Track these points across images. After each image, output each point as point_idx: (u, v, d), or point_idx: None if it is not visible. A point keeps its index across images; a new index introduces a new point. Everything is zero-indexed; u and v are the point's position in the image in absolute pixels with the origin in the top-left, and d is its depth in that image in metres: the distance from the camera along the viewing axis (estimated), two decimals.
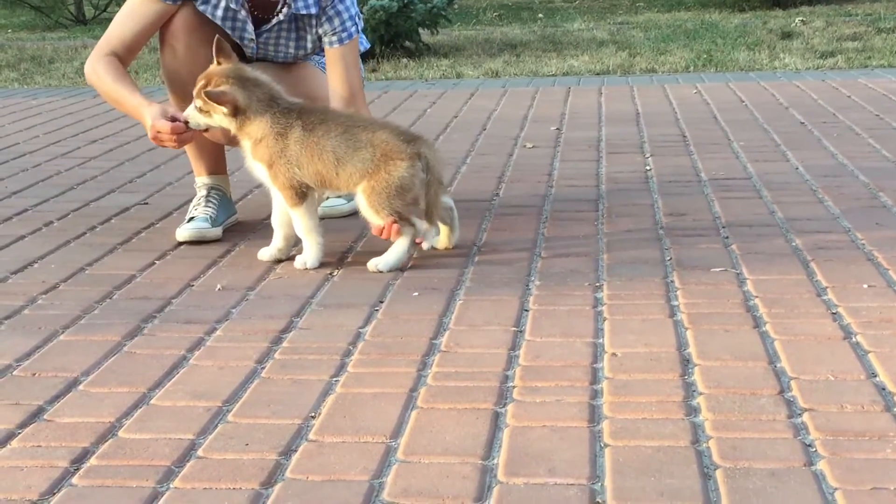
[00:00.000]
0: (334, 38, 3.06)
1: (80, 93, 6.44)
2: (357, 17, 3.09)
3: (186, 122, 2.84)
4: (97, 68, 3.02)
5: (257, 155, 2.78)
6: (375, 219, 2.74)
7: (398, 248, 2.77)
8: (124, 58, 3.04)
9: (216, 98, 2.73)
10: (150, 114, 2.88)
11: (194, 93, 2.80)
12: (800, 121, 4.73)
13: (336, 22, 3.05)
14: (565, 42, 8.10)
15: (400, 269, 2.77)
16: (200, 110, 2.79)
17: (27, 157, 4.44)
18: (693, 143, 4.34)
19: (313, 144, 2.73)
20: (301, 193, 2.77)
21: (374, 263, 2.77)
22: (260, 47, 3.12)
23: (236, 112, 2.75)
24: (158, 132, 2.86)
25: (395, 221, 2.72)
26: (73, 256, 2.99)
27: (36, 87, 6.79)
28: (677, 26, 8.82)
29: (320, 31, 3.07)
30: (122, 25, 3.04)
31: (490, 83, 6.39)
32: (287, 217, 2.84)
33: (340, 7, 3.05)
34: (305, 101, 2.85)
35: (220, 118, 2.78)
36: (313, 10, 3.03)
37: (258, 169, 2.80)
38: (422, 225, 2.77)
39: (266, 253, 2.89)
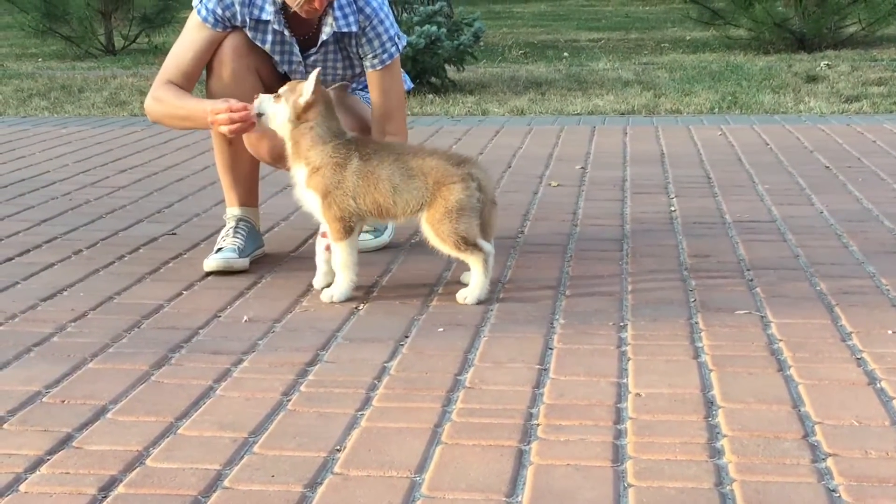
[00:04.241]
0: (376, 61, 3.10)
1: (109, 122, 6.51)
2: (398, 37, 3.12)
3: (258, 114, 2.87)
4: (157, 95, 3.08)
5: (311, 184, 2.80)
6: (444, 247, 2.79)
7: (478, 279, 2.81)
8: (184, 87, 3.09)
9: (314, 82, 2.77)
10: (211, 104, 2.93)
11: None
12: (825, 165, 4.74)
13: (376, 44, 3.09)
14: (590, 81, 8.14)
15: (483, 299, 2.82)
16: (277, 97, 2.83)
17: (57, 186, 4.49)
18: (718, 184, 4.35)
19: (369, 174, 2.77)
20: (349, 227, 2.80)
21: (463, 296, 2.82)
22: (308, 70, 3.16)
23: (306, 111, 2.78)
24: (216, 114, 2.90)
25: (458, 248, 2.77)
26: (102, 285, 3.02)
27: (66, 116, 6.86)
28: (702, 68, 8.84)
29: (361, 52, 3.11)
30: (178, 56, 3.10)
31: (515, 121, 6.42)
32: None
33: (380, 28, 3.08)
34: (358, 134, 2.90)
35: (283, 113, 2.81)
36: (354, 29, 3.06)
37: (310, 198, 2.83)
38: (488, 247, 2.80)
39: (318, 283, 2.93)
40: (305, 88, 2.80)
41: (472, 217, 2.78)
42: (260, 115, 2.87)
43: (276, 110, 2.84)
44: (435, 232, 2.78)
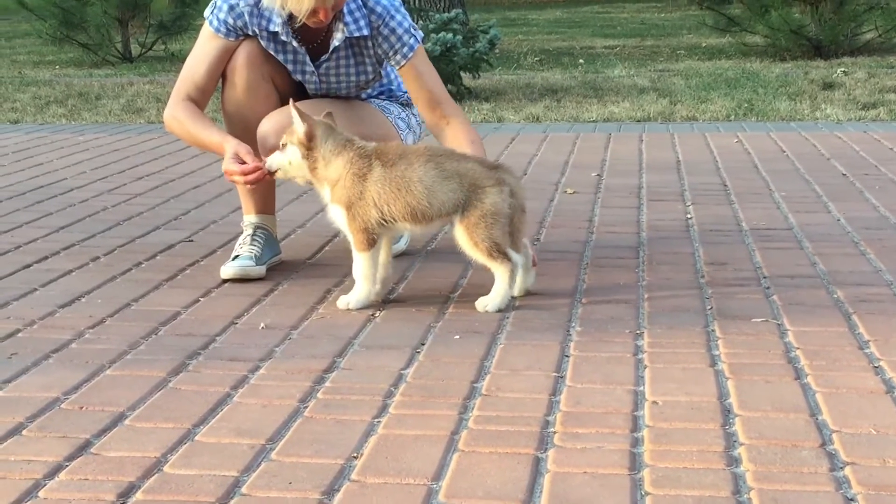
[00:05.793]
0: (399, 57, 3.10)
1: (126, 129, 6.54)
2: (413, 28, 3.11)
3: (271, 172, 2.89)
4: (176, 114, 3.11)
5: (335, 198, 2.81)
6: (475, 252, 2.78)
7: (501, 288, 2.80)
8: (199, 100, 3.13)
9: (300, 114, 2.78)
10: (227, 150, 2.96)
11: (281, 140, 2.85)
12: (841, 172, 4.73)
13: (393, 39, 3.08)
14: (606, 88, 8.14)
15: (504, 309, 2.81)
16: (283, 145, 2.85)
17: (74, 193, 4.51)
18: (734, 192, 4.34)
19: (398, 179, 2.76)
20: (371, 239, 2.80)
21: (483, 304, 2.81)
22: (322, 79, 3.16)
23: (310, 140, 2.79)
24: (230, 175, 2.95)
25: (490, 255, 2.76)
26: (119, 292, 3.03)
27: (83, 124, 6.90)
28: (718, 75, 8.83)
29: (379, 51, 3.11)
30: (192, 68, 3.13)
31: (531, 128, 6.43)
32: (383, 258, 2.87)
33: (393, 24, 3.08)
34: (379, 144, 2.88)
35: (295, 155, 2.82)
36: (365, 32, 3.07)
37: (336, 213, 2.83)
38: (516, 257, 2.80)
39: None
40: (295, 123, 2.81)
41: (504, 224, 2.78)
42: (273, 172, 2.89)
43: (288, 157, 2.85)
44: (468, 236, 2.77)
